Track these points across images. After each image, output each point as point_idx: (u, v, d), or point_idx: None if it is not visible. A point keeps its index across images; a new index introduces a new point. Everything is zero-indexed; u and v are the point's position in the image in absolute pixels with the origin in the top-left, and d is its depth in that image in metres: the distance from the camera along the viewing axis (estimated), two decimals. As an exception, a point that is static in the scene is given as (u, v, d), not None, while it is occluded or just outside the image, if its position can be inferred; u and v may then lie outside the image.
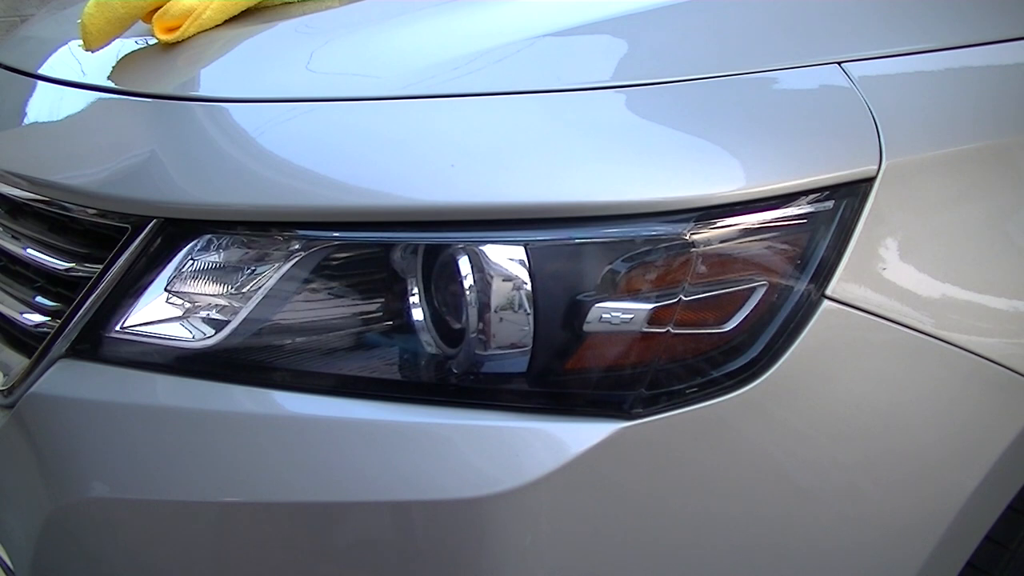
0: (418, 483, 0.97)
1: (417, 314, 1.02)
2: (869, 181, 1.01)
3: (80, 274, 1.16)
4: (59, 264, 1.19)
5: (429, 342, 1.02)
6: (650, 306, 0.96)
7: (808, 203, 0.99)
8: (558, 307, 0.97)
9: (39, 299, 1.23)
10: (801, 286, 0.99)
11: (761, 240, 0.98)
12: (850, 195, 1.00)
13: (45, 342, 1.14)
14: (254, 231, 1.04)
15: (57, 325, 1.14)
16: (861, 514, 1.05)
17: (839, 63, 1.06)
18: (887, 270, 1.01)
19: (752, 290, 0.98)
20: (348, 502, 0.99)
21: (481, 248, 0.97)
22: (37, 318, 1.21)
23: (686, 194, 0.96)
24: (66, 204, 1.17)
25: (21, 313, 1.23)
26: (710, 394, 0.98)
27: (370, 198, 0.99)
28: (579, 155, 0.98)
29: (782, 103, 1.04)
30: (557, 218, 0.97)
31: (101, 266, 1.11)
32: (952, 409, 1.06)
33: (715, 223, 0.96)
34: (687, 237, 0.96)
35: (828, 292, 0.99)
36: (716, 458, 0.99)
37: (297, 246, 1.02)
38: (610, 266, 0.96)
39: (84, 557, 1.13)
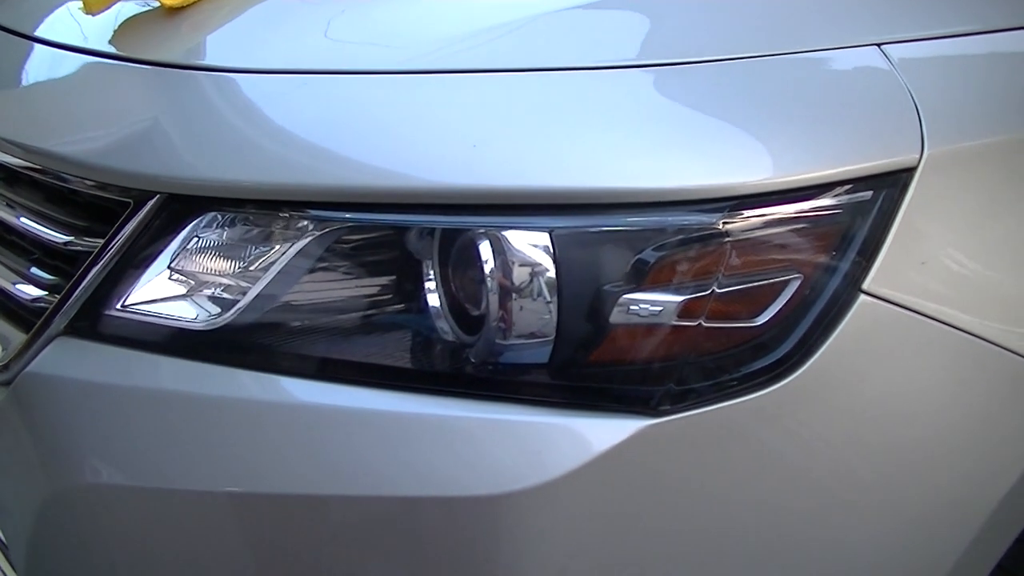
0: (434, 478, 0.93)
1: (433, 300, 0.98)
2: (910, 171, 0.96)
3: (79, 248, 1.12)
4: (57, 237, 1.14)
5: (446, 330, 0.98)
6: (680, 298, 0.92)
7: (846, 193, 0.94)
8: (583, 297, 0.92)
9: (35, 271, 1.18)
10: (836, 280, 0.95)
11: (796, 231, 0.94)
12: (890, 185, 0.96)
13: (43, 318, 1.09)
14: (263, 209, 0.99)
15: (55, 301, 1.09)
16: (891, 515, 1.02)
17: (879, 45, 1.01)
18: (926, 264, 0.97)
19: (786, 283, 0.94)
20: (358, 496, 0.95)
21: (503, 234, 0.92)
22: (34, 292, 1.16)
23: (720, 182, 0.91)
24: (63, 175, 1.12)
25: (15, 284, 1.19)
26: (740, 391, 0.94)
27: (386, 179, 0.94)
28: (608, 138, 0.94)
29: (820, 87, 0.99)
30: (584, 204, 0.92)
31: (101, 241, 1.06)
32: (991, 412, 1.02)
33: (749, 213, 0.92)
34: (720, 227, 0.91)
35: (864, 286, 0.95)
36: (745, 457, 0.95)
37: (308, 226, 0.97)
38: (639, 256, 0.91)
39: (80, 541, 1.09)
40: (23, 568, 1.18)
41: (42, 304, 1.14)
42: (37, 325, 1.10)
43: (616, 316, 0.92)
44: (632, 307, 0.92)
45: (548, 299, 0.92)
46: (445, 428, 0.94)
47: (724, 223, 0.91)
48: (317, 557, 0.97)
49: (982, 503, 1.04)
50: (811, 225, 0.94)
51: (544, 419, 0.93)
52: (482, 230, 0.93)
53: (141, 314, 1.04)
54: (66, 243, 1.13)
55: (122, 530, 1.05)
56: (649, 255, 0.91)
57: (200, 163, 1.01)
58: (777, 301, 0.94)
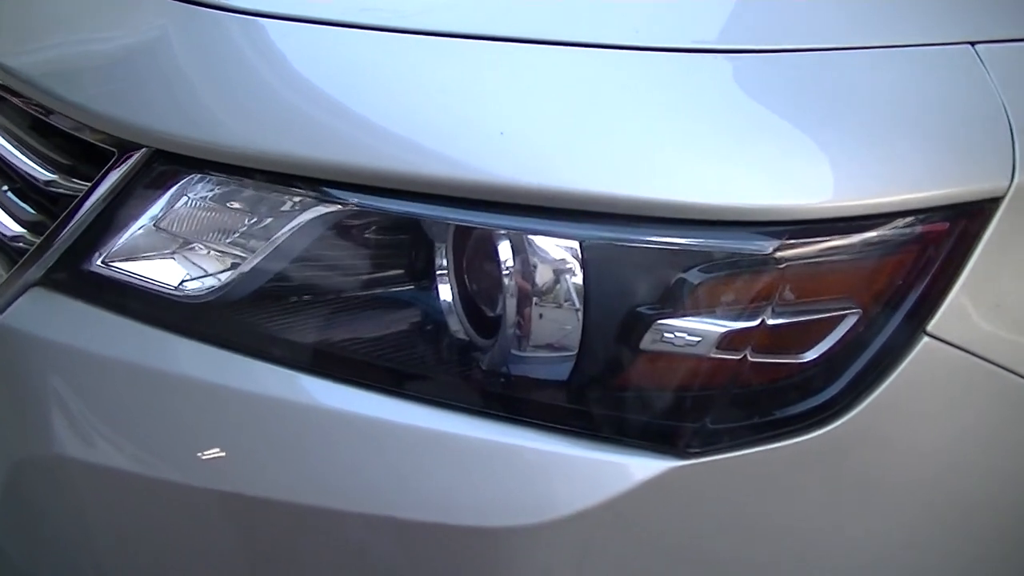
0: (428, 501, 0.84)
1: (445, 293, 0.88)
2: (995, 201, 0.84)
3: (61, 191, 1.01)
4: (39, 173, 1.04)
5: (457, 328, 0.88)
6: (722, 329, 0.81)
7: (920, 223, 0.83)
8: (612, 318, 0.81)
9: (13, 199, 1.08)
10: (898, 318, 0.84)
11: (859, 261, 0.83)
12: (970, 216, 0.84)
13: (19, 263, 0.99)
14: (262, 180, 0.88)
15: (35, 243, 0.99)
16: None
17: (972, 43, 0.89)
18: (1001, 308, 0.86)
19: (841, 318, 0.83)
20: (343, 511, 0.85)
21: (528, 238, 0.81)
22: (13, 227, 1.06)
23: (779, 203, 0.80)
24: (44, 105, 1.01)
25: None
26: (779, 435, 0.83)
27: (399, 163, 0.83)
28: (657, 138, 0.82)
29: (900, 91, 0.87)
30: (622, 214, 0.81)
31: (84, 185, 0.96)
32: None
33: (809, 240, 0.81)
34: (776, 254, 0.80)
35: (929, 328, 0.84)
36: (778, 509, 0.86)
37: (312, 204, 0.87)
38: (680, 279, 0.80)
39: (43, 511, 1.01)
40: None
41: (21, 244, 1.04)
42: (14, 270, 1.00)
43: (648, 342, 0.81)
44: (667, 334, 0.81)
45: (574, 313, 0.82)
46: (445, 447, 0.84)
47: (781, 250, 0.80)
48: (296, 568, 0.89)
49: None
50: (877, 256, 0.83)
51: (556, 449, 0.83)
52: (504, 231, 0.82)
53: (121, 273, 0.94)
54: (48, 182, 1.03)
55: (85, 508, 0.97)
56: (691, 279, 0.80)
57: (197, 120, 0.90)
58: (829, 337, 0.83)
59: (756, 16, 0.90)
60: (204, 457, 0.89)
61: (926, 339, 0.84)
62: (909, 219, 0.83)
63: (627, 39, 0.86)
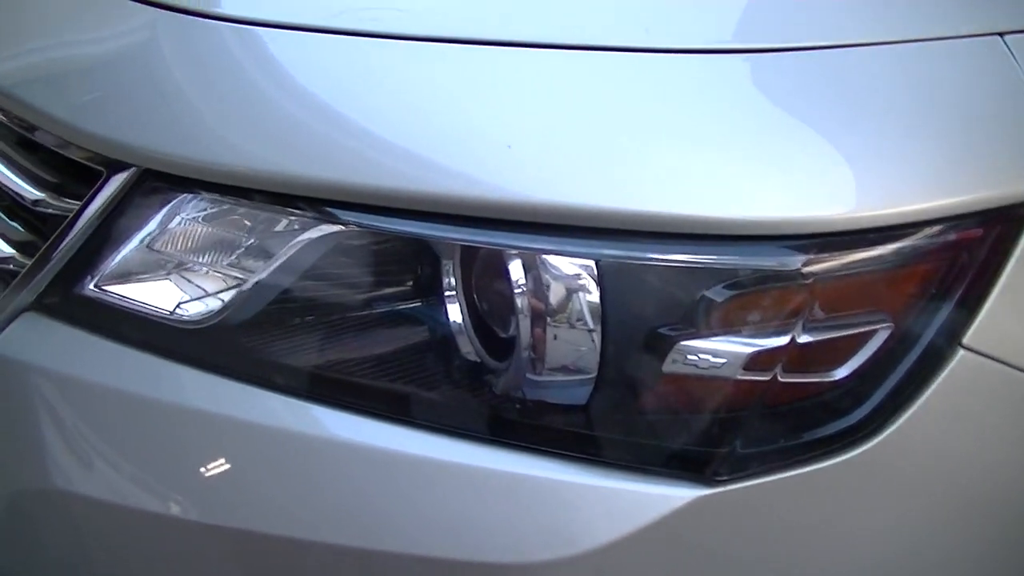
0: (440, 537, 0.80)
1: (455, 314, 0.83)
2: None
3: (50, 210, 0.97)
4: (27, 191, 0.99)
5: (468, 350, 0.84)
6: (749, 349, 0.76)
7: (953, 230, 0.78)
8: (632, 341, 0.77)
9: (2, 217, 1.04)
10: (933, 330, 0.79)
11: (890, 272, 0.78)
12: (1005, 220, 0.79)
13: (11, 286, 0.95)
14: (266, 201, 0.84)
15: (26, 266, 0.94)
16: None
17: (1001, 34, 0.84)
18: (1042, 315, 0.82)
19: (873, 332, 0.79)
20: (348, 547, 0.82)
21: (542, 258, 0.77)
22: (4, 248, 1.02)
23: (806, 215, 0.75)
24: (26, 120, 0.97)
25: None
26: (811, 458, 0.79)
27: (402, 179, 0.78)
28: (673, 148, 0.78)
29: (926, 90, 0.82)
30: (639, 231, 0.76)
31: (74, 205, 0.92)
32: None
33: (838, 252, 0.76)
34: (804, 268, 0.75)
35: (966, 341, 0.79)
36: (810, 534, 0.82)
37: (312, 224, 0.82)
38: (703, 297, 0.76)
39: (42, 544, 0.97)
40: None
41: (11, 267, 1.00)
42: (5, 293, 0.96)
43: (670, 364, 0.77)
44: (691, 355, 0.77)
45: (591, 339, 0.78)
46: (460, 479, 0.80)
47: (808, 264, 0.76)
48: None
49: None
50: (909, 266, 0.78)
51: (576, 479, 0.79)
52: (515, 251, 0.78)
53: (115, 297, 0.90)
54: (36, 202, 0.98)
55: (84, 542, 0.94)
56: (715, 297, 0.76)
57: (188, 138, 0.85)
58: (861, 353, 0.79)
59: (774, 12, 0.86)
60: (206, 491, 0.85)
61: (962, 352, 0.80)
62: (941, 226, 0.78)
63: (638, 40, 0.82)
